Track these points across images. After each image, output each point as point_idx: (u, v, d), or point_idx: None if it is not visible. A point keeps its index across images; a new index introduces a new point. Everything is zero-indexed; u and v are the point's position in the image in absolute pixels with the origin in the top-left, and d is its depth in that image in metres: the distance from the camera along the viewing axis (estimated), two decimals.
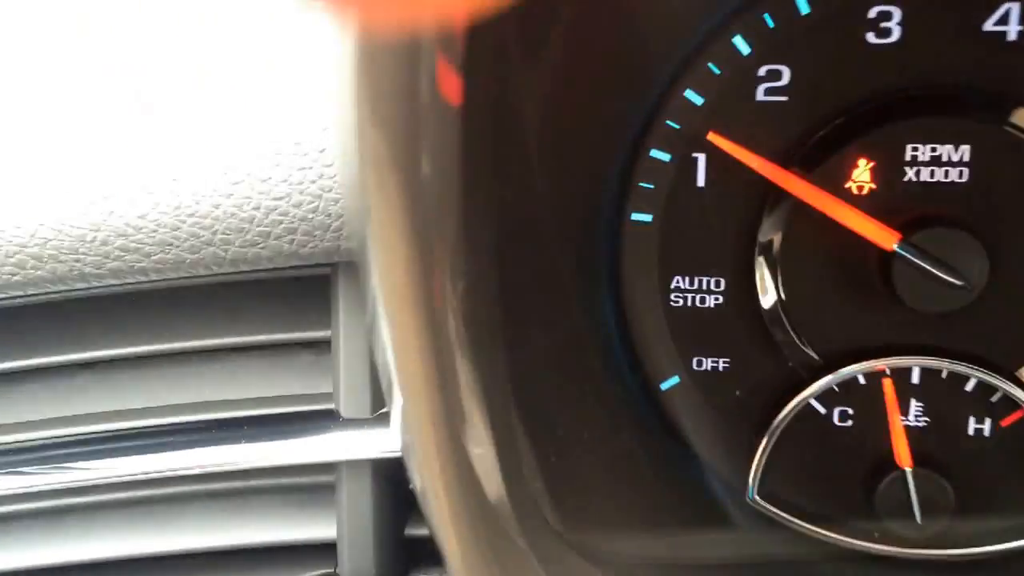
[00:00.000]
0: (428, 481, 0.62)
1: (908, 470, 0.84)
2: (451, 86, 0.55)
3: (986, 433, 0.84)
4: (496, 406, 0.69)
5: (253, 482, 1.01)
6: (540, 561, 0.73)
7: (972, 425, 0.85)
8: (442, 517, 0.63)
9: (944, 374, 0.84)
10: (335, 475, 0.95)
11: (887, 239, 0.79)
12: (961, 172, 0.80)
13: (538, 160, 0.85)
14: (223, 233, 0.87)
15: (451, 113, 0.57)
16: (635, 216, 0.88)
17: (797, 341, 0.86)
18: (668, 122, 0.85)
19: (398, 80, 0.49)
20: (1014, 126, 0.79)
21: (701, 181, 0.85)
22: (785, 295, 0.85)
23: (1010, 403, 0.83)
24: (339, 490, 0.95)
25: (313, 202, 0.86)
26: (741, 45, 0.82)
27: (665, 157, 0.86)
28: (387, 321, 0.57)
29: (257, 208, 0.86)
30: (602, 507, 0.85)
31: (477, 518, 0.65)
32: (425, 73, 0.50)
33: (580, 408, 0.88)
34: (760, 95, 0.83)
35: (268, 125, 0.86)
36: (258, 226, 0.87)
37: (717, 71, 0.83)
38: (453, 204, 0.60)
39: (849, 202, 0.81)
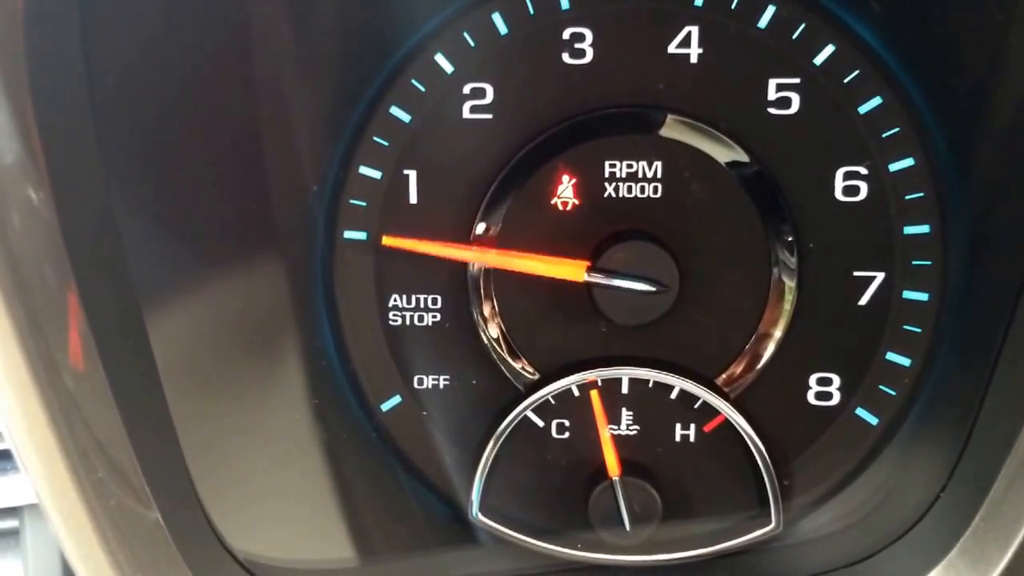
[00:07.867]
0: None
1: (616, 479, 0.86)
2: None
3: (691, 439, 0.88)
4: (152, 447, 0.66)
5: None
6: None
7: (678, 432, 0.88)
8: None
9: (650, 384, 0.86)
10: (18, 520, 0.88)
11: (576, 272, 0.81)
12: (656, 187, 0.83)
13: (240, 180, 0.82)
14: None
15: None
16: (348, 234, 0.86)
17: (514, 358, 0.87)
18: (376, 138, 0.84)
19: None
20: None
21: (414, 198, 0.85)
22: (501, 316, 0.86)
23: (712, 409, 0.86)
24: (23, 536, 0.88)
25: None
26: (443, 63, 0.82)
27: (376, 174, 0.85)
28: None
29: None
30: (307, 539, 0.82)
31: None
32: None
33: (289, 438, 0.85)
34: (466, 113, 0.83)
35: None
36: None
37: (422, 88, 0.83)
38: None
39: (553, 218, 0.83)
